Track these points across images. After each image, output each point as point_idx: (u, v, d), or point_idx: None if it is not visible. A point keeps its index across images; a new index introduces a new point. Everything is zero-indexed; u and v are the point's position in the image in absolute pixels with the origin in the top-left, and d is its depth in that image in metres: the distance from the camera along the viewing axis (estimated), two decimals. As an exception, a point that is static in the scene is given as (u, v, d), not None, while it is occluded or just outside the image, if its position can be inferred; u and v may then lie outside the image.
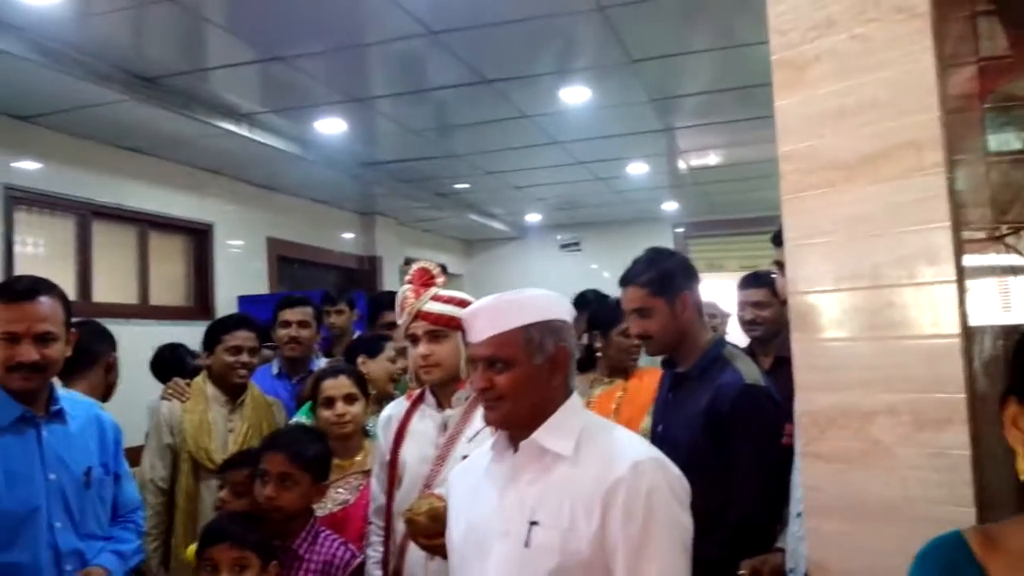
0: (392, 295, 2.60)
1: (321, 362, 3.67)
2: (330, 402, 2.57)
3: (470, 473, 1.64)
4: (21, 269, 4.31)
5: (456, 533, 1.61)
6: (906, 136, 1.34)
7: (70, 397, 2.20)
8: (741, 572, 1.94)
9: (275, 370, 3.65)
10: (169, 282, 5.68)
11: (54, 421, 2.06)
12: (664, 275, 2.27)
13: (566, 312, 1.59)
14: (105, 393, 2.79)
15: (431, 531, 1.85)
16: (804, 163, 1.46)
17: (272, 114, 4.80)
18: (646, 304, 2.26)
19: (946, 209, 1.29)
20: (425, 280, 2.18)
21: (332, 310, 4.13)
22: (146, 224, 5.42)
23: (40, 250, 4.69)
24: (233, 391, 3.06)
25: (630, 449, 1.48)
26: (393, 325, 3.41)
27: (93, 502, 2.10)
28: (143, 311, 5.27)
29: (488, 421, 1.58)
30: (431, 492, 2.00)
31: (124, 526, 2.23)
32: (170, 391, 3.04)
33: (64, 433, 2.07)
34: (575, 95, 4.56)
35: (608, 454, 1.46)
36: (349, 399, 2.58)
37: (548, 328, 1.52)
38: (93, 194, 4.92)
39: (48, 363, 1.98)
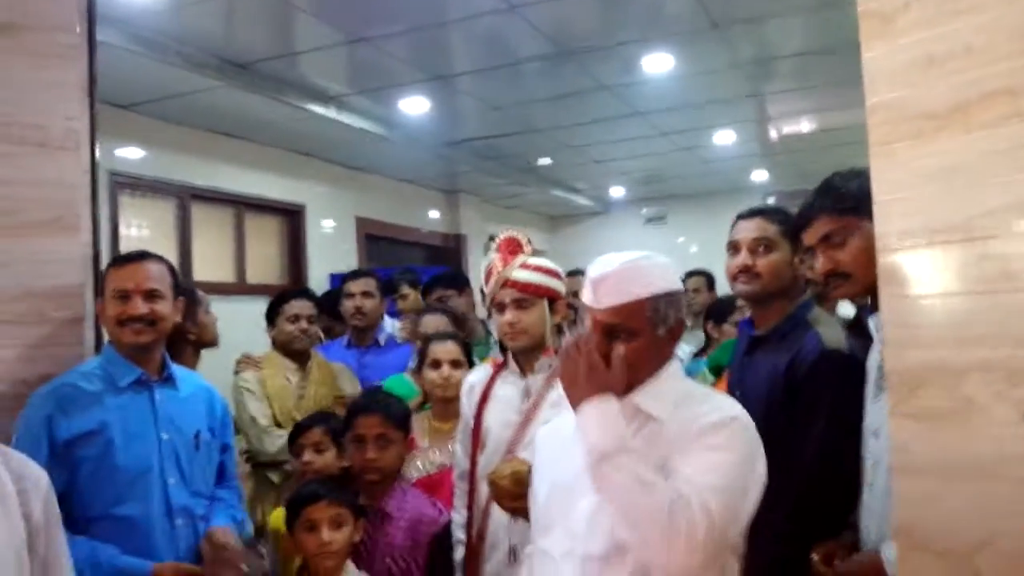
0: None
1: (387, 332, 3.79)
2: (437, 364, 2.65)
3: (558, 433, 1.65)
4: (126, 251, 4.53)
5: (541, 491, 1.63)
6: (1000, 83, 1.28)
7: (181, 369, 2.33)
8: (813, 557, 1.87)
9: (345, 343, 3.80)
10: (265, 261, 5.90)
11: (166, 385, 2.20)
12: (794, 225, 2.18)
13: (680, 282, 1.59)
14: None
15: (514, 494, 1.88)
16: (893, 114, 1.41)
17: (358, 96, 4.91)
18: (772, 238, 2.15)
19: (1043, 156, 1.23)
20: (513, 248, 2.19)
21: (396, 296, 4.20)
22: (242, 206, 5.64)
23: (144, 232, 4.94)
24: (299, 359, 3.21)
25: (727, 408, 1.48)
26: None
27: (202, 463, 2.22)
28: (240, 288, 5.50)
29: None
30: (514, 456, 2.03)
31: (229, 490, 2.35)
32: (243, 363, 3.21)
33: (175, 397, 2.20)
34: (658, 63, 4.49)
35: (703, 411, 1.46)
36: (455, 364, 2.64)
37: (672, 300, 1.51)
38: (192, 178, 5.15)
39: (156, 318, 2.12)
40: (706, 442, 1.40)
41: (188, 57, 3.95)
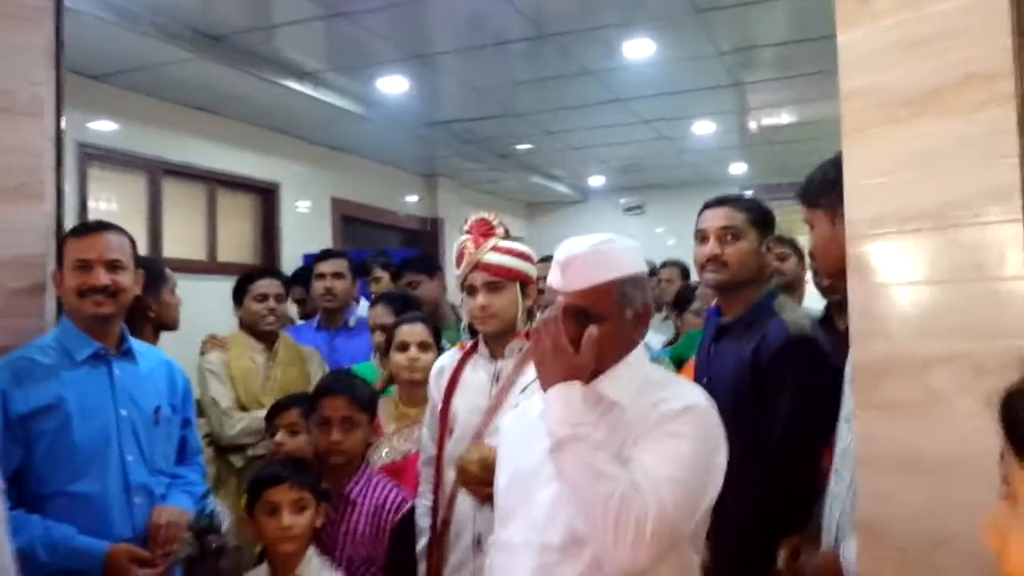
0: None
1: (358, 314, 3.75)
2: (405, 347, 2.61)
3: (523, 419, 1.63)
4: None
5: (503, 479, 1.60)
6: (976, 67, 1.26)
7: (141, 344, 2.29)
8: (780, 554, 1.86)
9: (315, 324, 3.77)
10: (237, 239, 5.82)
11: (125, 360, 2.16)
12: (765, 212, 2.23)
13: (645, 265, 1.58)
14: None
15: (482, 480, 1.86)
16: (868, 99, 1.39)
17: (335, 72, 4.83)
18: (739, 227, 2.16)
19: (1016, 143, 1.21)
20: (484, 230, 2.15)
21: (369, 279, 4.19)
22: (215, 182, 5.55)
23: (113, 206, 4.84)
24: (266, 339, 3.17)
25: (688, 396, 1.46)
26: None
27: (161, 440, 2.19)
28: (211, 267, 5.42)
29: None
30: (482, 442, 2.00)
31: (190, 467, 2.32)
32: (209, 344, 3.16)
33: (134, 372, 2.16)
34: (639, 48, 4.45)
35: (664, 397, 1.44)
36: (423, 347, 2.61)
37: (638, 282, 1.50)
38: (163, 152, 5.05)
39: (118, 289, 2.08)
40: (666, 429, 1.38)
41: (162, 27, 3.86)
